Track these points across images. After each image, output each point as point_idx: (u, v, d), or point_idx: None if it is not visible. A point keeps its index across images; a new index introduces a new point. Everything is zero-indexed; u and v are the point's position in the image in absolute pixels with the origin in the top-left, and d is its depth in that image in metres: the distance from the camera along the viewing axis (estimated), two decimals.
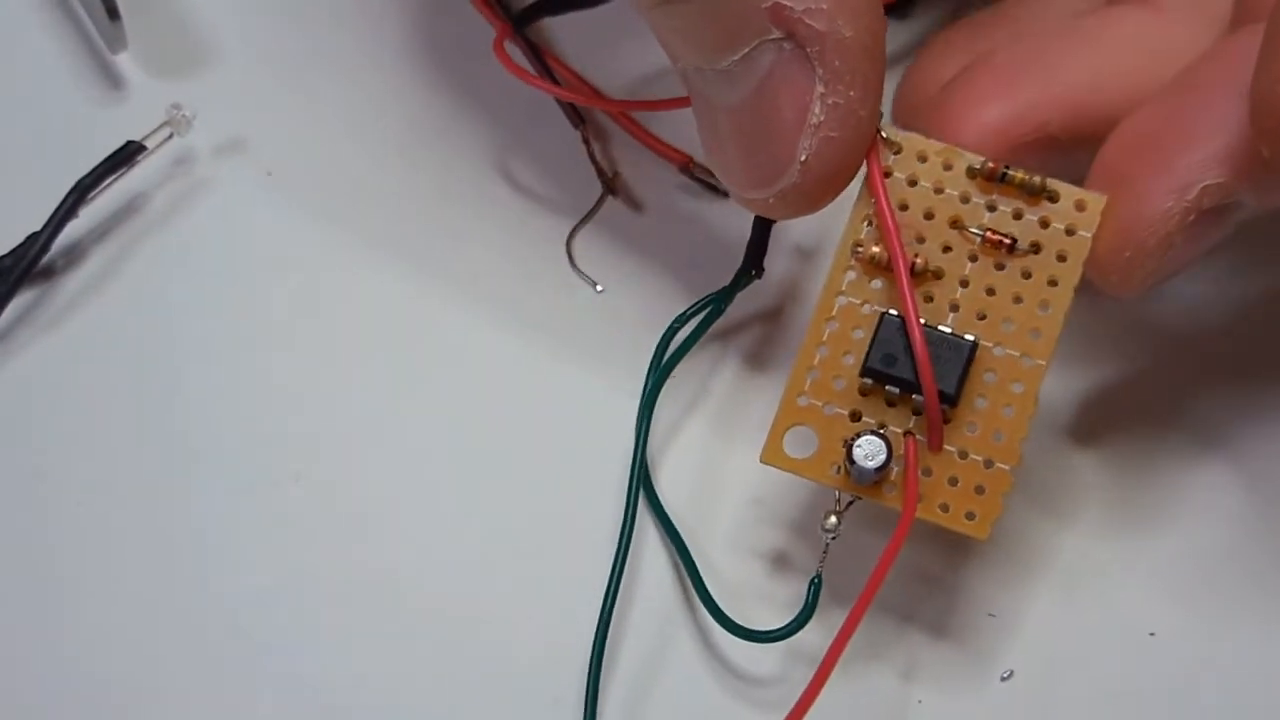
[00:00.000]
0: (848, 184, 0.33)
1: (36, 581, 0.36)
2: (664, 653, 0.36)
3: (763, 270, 0.37)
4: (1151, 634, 0.36)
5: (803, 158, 0.32)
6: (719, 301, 0.37)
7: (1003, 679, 0.36)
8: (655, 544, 0.37)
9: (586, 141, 0.41)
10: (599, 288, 0.40)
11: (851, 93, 0.31)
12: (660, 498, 0.37)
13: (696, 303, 0.37)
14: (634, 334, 0.38)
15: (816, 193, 0.32)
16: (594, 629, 0.35)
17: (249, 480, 0.37)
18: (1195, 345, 0.39)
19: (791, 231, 0.39)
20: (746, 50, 0.32)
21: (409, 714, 0.35)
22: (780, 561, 0.37)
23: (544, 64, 0.41)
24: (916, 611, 0.36)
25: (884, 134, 0.33)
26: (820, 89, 0.31)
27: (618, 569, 0.36)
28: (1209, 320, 0.39)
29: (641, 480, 0.36)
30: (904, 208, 0.33)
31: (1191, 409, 0.38)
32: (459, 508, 0.37)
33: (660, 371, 0.37)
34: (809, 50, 0.31)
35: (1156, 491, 0.37)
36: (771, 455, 0.33)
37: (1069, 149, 0.35)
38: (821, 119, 0.31)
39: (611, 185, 0.41)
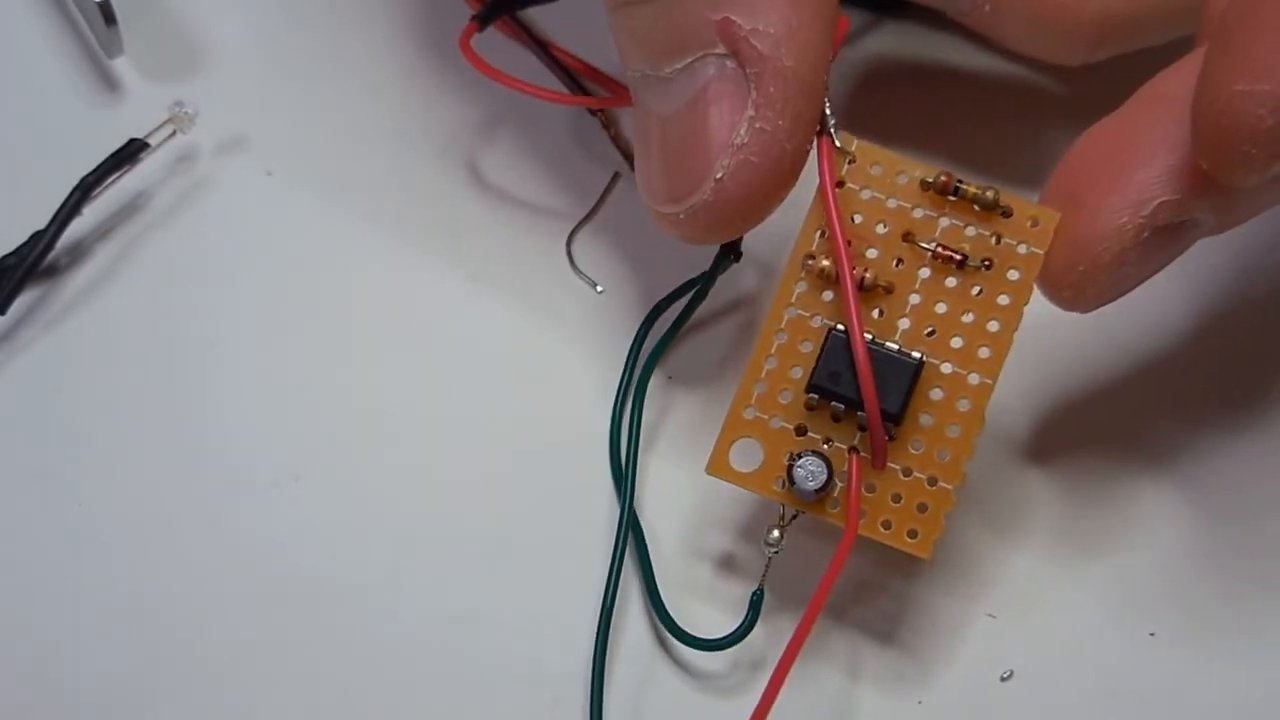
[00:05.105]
0: (760, 216, 0.32)
1: (37, 581, 0.36)
2: (659, 655, 0.36)
3: (740, 254, 0.37)
4: (1152, 634, 0.36)
5: (719, 175, 0.31)
6: (700, 286, 0.37)
7: (1003, 679, 0.36)
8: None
9: (607, 128, 0.41)
10: (599, 288, 0.39)
11: (780, 122, 0.31)
12: (638, 507, 0.37)
13: (677, 288, 0.38)
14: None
15: (726, 215, 0.32)
16: (595, 626, 0.35)
17: (249, 480, 0.37)
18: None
19: (777, 222, 0.39)
20: (690, 60, 0.32)
21: (408, 714, 0.36)
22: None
23: (541, 45, 0.41)
24: (916, 612, 0.36)
25: (837, 142, 0.33)
26: (750, 112, 0.31)
27: (615, 569, 0.36)
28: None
29: (632, 478, 0.37)
30: (856, 217, 0.33)
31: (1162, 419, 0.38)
32: (458, 507, 0.37)
33: (650, 359, 0.37)
34: (748, 71, 0.31)
35: (1160, 493, 0.37)
36: (716, 467, 0.33)
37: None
38: (745, 140, 0.31)
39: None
